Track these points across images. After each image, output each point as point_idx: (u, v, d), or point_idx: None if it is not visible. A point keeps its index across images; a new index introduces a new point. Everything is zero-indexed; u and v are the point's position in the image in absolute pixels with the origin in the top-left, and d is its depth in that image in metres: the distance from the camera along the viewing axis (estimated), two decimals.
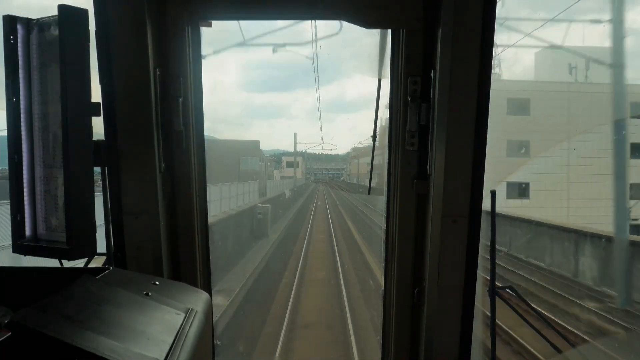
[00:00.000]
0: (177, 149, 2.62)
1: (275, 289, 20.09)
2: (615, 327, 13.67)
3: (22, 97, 2.23)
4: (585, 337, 12.88)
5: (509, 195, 28.68)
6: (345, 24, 2.55)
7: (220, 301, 16.67)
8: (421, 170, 2.66)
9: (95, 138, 2.29)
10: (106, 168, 2.47)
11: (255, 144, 55.63)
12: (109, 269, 1.81)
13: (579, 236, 18.53)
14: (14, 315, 1.22)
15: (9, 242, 2.34)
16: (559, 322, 13.57)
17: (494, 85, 2.42)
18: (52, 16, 2.15)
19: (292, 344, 14.65)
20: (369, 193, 3.76)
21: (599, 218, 21.04)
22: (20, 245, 2.26)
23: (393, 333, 2.86)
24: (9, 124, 2.23)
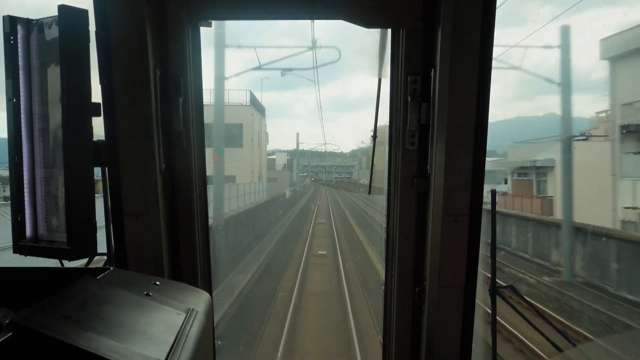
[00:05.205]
0: (177, 149, 2.62)
1: None
2: None
3: (22, 98, 2.23)
4: (588, 335, 12.86)
5: None
6: (345, 23, 2.54)
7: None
8: (421, 169, 2.66)
9: (95, 138, 2.30)
10: (106, 168, 2.47)
11: None
12: (109, 269, 1.81)
13: None
14: (15, 315, 1.22)
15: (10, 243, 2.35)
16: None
17: None
18: (52, 16, 2.15)
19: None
20: (369, 193, 3.77)
21: None
22: (21, 245, 2.27)
23: (394, 332, 2.87)
24: (10, 124, 2.23)
